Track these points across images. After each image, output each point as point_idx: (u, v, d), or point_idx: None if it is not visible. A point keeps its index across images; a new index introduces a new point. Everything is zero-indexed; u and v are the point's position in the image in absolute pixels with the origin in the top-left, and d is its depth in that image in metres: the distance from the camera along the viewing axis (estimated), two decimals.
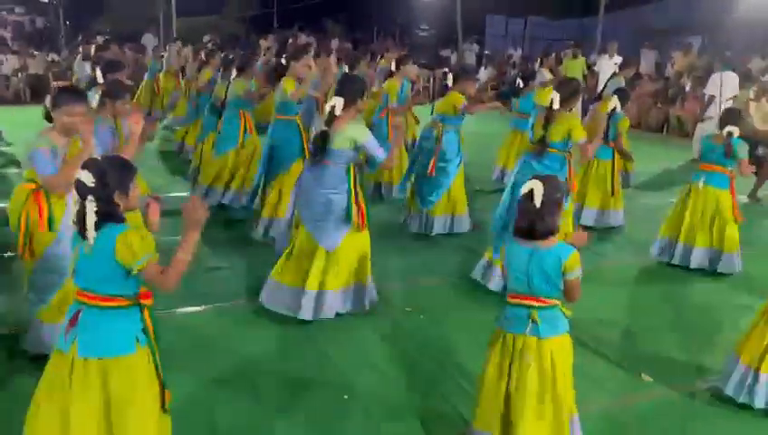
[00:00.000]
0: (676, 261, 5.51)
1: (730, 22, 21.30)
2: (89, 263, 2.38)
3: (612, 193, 6.41)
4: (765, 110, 6.88)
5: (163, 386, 2.53)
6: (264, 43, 16.19)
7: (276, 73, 6.59)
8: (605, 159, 6.34)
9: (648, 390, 3.74)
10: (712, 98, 9.39)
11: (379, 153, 4.14)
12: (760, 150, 6.70)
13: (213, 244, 5.50)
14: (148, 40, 17.07)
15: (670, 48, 16.72)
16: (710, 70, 10.63)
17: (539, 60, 11.12)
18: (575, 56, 13.36)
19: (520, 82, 7.88)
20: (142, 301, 2.46)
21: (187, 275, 2.43)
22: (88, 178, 2.32)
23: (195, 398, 3.38)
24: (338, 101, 4.10)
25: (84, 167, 2.36)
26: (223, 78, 6.98)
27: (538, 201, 2.60)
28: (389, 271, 5.10)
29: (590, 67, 13.40)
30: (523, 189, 2.67)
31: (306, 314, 4.19)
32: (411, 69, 7.39)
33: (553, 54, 12.37)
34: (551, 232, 2.64)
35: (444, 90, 6.13)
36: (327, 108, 4.15)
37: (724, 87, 9.25)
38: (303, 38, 20.92)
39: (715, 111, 8.77)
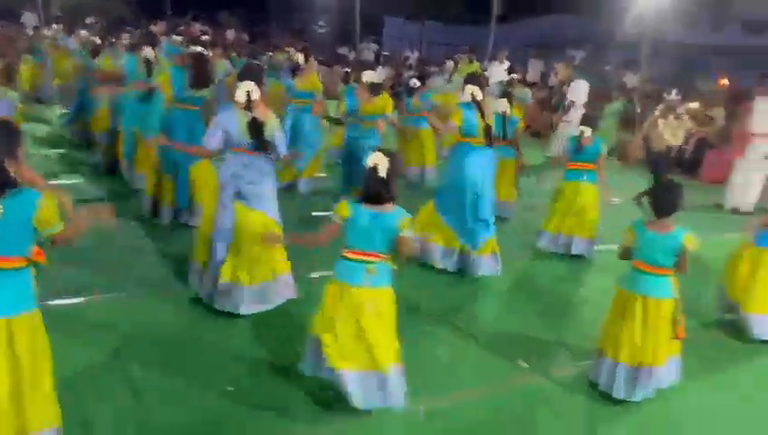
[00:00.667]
0: (560, 251, 5.98)
1: (610, 40, 22.91)
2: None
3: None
4: (673, 125, 7.38)
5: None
6: (155, 29, 15.42)
7: None
8: (509, 157, 6.66)
9: (524, 375, 3.91)
10: (572, 103, 10.56)
11: (283, 147, 4.26)
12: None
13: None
14: (28, 18, 15.83)
15: (555, 60, 17.65)
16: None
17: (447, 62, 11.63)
18: (470, 61, 13.84)
19: (416, 82, 8.03)
20: (35, 259, 2.56)
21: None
22: None
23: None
24: (252, 87, 4.02)
25: None
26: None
27: (383, 172, 3.05)
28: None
29: (483, 71, 13.91)
30: (369, 162, 3.09)
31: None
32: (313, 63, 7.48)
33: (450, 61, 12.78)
34: (392, 198, 3.13)
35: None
36: (242, 94, 4.02)
37: (579, 94, 10.59)
38: (197, 27, 20.22)
39: (574, 115, 9.79)
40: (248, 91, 4.01)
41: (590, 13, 24.62)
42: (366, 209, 3.12)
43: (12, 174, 2.44)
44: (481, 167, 5.15)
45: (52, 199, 2.50)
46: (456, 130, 5.12)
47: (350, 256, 3.16)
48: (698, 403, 3.79)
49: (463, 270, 5.29)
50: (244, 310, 4.18)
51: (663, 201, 3.53)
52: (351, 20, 18.28)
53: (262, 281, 4.22)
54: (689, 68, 17.25)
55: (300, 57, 7.28)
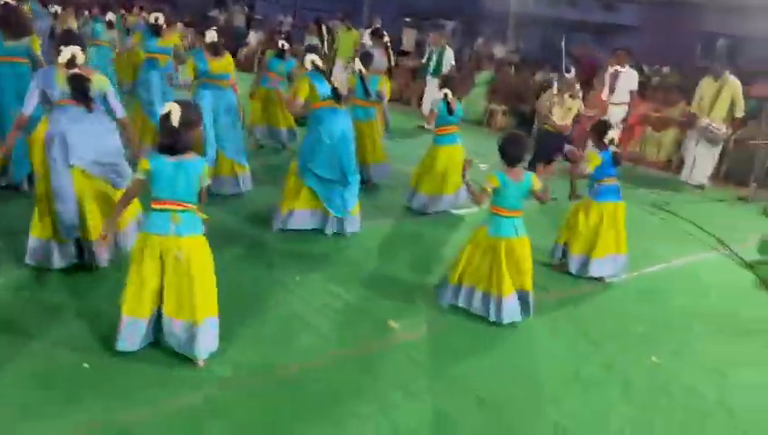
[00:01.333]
0: (430, 210, 6.26)
1: (481, 12, 23.65)
2: None
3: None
4: (567, 105, 7.44)
5: None
6: None
7: None
8: (371, 118, 6.80)
9: (394, 335, 4.00)
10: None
11: (120, 110, 4.21)
12: (566, 148, 7.29)
13: None
14: None
15: (428, 30, 17.95)
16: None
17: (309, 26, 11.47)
18: (348, 29, 13.76)
19: (284, 44, 7.90)
20: None
21: None
22: None
23: None
24: (77, 51, 3.96)
25: None
26: None
27: (176, 122, 3.08)
28: None
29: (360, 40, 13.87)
30: (162, 111, 3.13)
31: None
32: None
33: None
34: (189, 147, 3.19)
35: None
36: (66, 56, 3.93)
37: (447, 62, 10.93)
38: None
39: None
40: (73, 55, 3.90)
41: None
42: (167, 159, 3.17)
43: None
44: (337, 128, 5.26)
45: None
46: (300, 105, 5.31)
47: (156, 206, 3.21)
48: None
49: (329, 230, 5.40)
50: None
51: (515, 152, 4.07)
52: None
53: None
54: (551, 41, 18.20)
55: (159, 17, 7.02)
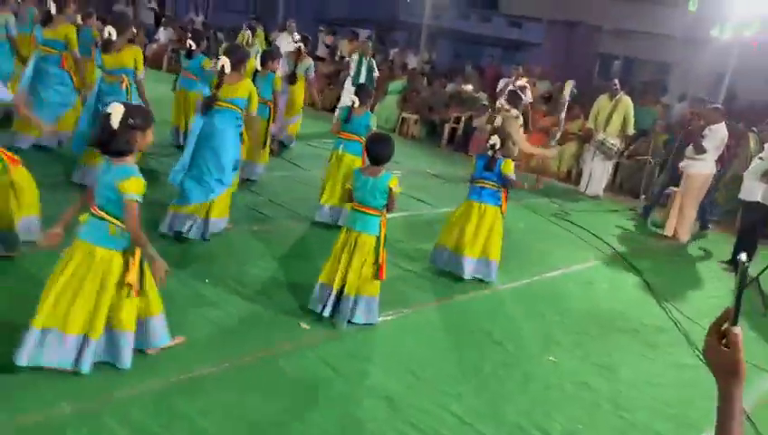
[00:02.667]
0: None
1: (395, 22, 24.07)
2: None
3: (264, 147, 6.88)
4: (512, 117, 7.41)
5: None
6: None
7: None
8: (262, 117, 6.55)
9: (306, 335, 4.03)
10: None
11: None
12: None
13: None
14: None
15: (340, 36, 18.09)
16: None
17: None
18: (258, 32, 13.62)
19: (191, 44, 7.74)
20: None
21: None
22: None
23: None
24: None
25: None
26: None
27: (115, 124, 2.95)
28: None
29: (270, 42, 13.76)
30: (105, 111, 3.01)
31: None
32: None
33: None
34: (125, 151, 3.03)
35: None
36: None
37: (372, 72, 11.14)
38: None
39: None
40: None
41: None
42: (105, 162, 3.07)
43: None
44: (212, 126, 5.06)
45: None
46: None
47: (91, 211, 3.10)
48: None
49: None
50: None
51: (376, 151, 4.20)
52: None
53: None
54: (462, 54, 18.82)
55: (52, 6, 6.61)
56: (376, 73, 11.44)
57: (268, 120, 6.83)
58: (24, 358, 3.02)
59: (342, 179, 5.86)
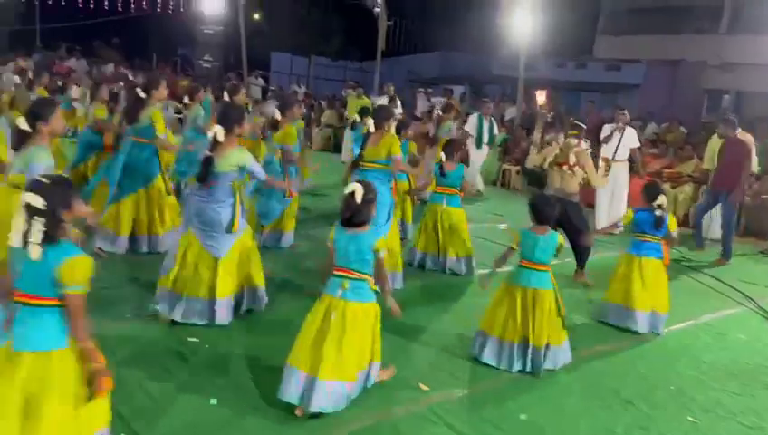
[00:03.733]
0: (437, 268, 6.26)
1: (489, 76, 24.30)
2: (33, 270, 2.55)
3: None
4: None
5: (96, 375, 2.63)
6: (22, 64, 14.27)
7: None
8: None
9: (426, 396, 3.98)
10: (467, 133, 11.05)
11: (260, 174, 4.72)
12: None
13: None
14: None
15: (435, 94, 18.45)
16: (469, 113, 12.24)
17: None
18: (359, 96, 14.19)
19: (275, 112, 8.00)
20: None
21: None
22: (35, 200, 2.51)
23: None
24: (219, 129, 4.44)
25: (30, 189, 2.55)
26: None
27: (359, 199, 3.51)
28: None
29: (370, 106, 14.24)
30: (347, 190, 3.57)
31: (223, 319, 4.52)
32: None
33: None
34: (365, 222, 3.58)
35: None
36: (210, 135, 4.50)
37: (472, 126, 11.15)
38: (73, 62, 19.26)
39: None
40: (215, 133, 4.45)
41: (471, 51, 26.08)
42: (344, 231, 3.61)
43: (64, 226, 2.62)
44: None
45: (83, 263, 2.60)
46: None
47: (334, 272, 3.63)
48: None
49: None
50: None
51: (543, 211, 4.39)
52: (238, 55, 18.14)
53: None
54: (559, 102, 18.59)
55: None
56: (496, 132, 11.48)
57: (409, 183, 7.07)
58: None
59: (449, 231, 6.24)
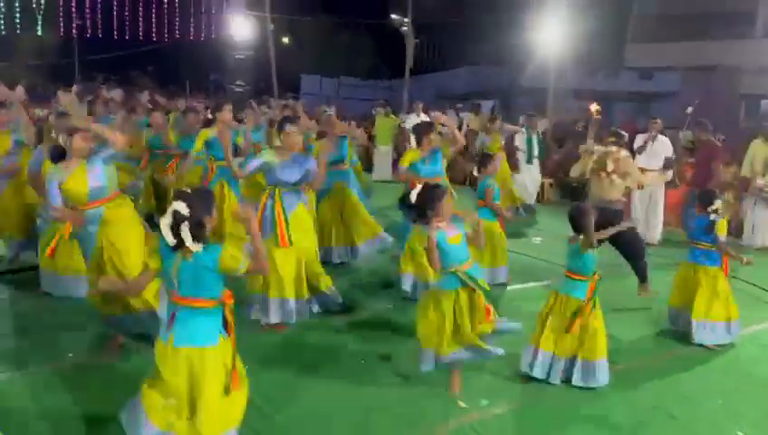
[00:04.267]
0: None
1: (518, 89, 24.18)
2: (189, 274, 2.94)
3: None
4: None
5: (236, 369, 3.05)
6: (63, 99, 14.58)
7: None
8: None
9: (463, 413, 3.93)
10: (517, 148, 10.89)
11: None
12: None
13: None
14: None
15: (464, 109, 18.39)
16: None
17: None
18: (387, 115, 14.21)
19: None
20: (225, 301, 3.03)
21: None
22: (182, 208, 2.90)
23: None
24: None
25: (177, 198, 2.95)
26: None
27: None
28: None
29: (400, 124, 14.27)
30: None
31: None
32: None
33: None
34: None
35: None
36: None
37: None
38: (108, 92, 19.76)
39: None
40: None
41: (499, 64, 26.04)
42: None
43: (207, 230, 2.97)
44: None
45: (232, 247, 2.99)
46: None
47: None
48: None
49: None
50: None
51: (578, 221, 4.27)
52: (269, 79, 18.46)
53: None
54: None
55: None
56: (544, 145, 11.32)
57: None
58: None
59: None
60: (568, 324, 4.18)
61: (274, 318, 4.90)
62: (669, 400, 4.23)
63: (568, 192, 11.86)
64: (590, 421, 3.90)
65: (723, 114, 18.79)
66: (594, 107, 11.87)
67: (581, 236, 4.23)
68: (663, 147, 8.92)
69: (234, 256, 2.95)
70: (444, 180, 5.91)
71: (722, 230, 5.02)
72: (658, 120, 9.12)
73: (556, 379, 4.23)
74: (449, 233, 3.93)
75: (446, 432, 3.69)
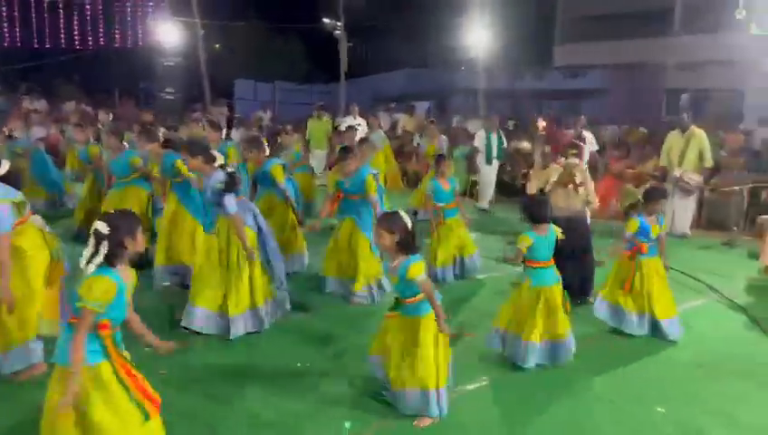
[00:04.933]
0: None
1: (452, 91, 24.58)
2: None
3: None
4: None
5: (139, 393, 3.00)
6: None
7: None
8: None
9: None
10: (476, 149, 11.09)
11: None
12: None
13: None
14: None
15: (397, 110, 18.57)
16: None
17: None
18: (319, 117, 14.17)
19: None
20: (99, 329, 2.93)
21: None
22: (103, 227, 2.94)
23: None
24: None
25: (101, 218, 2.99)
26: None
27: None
28: None
29: (335, 127, 14.25)
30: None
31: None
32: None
33: None
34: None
35: None
36: None
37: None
38: (31, 103, 19.00)
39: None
40: None
41: (435, 67, 26.40)
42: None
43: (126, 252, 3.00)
44: None
45: (102, 283, 2.89)
46: None
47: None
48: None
49: None
50: None
51: (537, 212, 4.56)
52: (201, 85, 18.12)
53: None
54: (521, 112, 18.87)
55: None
56: (504, 145, 11.35)
57: None
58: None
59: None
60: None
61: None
62: (598, 382, 4.40)
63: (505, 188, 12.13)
64: (510, 403, 4.00)
65: (647, 109, 19.64)
66: (541, 123, 12.07)
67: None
68: (587, 142, 9.30)
69: (90, 289, 2.89)
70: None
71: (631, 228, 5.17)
72: (582, 118, 9.49)
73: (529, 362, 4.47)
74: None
75: None
